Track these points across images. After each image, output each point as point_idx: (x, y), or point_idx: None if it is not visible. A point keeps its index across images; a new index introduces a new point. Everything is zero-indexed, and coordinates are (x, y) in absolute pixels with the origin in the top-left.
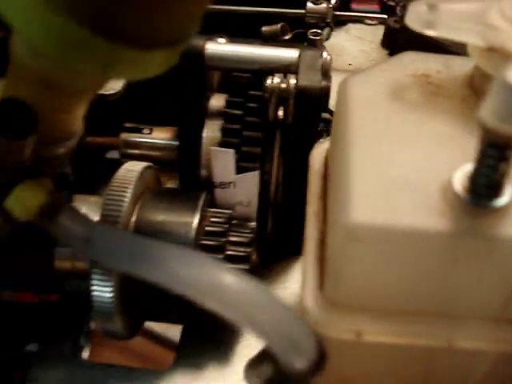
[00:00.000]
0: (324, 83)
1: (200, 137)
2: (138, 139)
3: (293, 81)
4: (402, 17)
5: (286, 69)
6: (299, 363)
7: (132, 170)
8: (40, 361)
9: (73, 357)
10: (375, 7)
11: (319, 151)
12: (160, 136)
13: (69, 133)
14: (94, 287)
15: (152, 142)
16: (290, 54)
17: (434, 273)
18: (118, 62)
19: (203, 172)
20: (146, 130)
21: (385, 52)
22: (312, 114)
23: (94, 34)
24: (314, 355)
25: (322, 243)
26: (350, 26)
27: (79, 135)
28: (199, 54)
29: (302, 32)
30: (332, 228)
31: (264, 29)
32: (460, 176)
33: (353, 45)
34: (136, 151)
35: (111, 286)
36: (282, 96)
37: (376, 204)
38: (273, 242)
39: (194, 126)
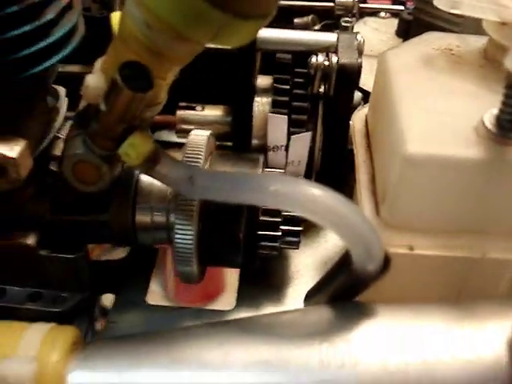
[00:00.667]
0: (360, 60)
1: (251, 111)
2: (193, 116)
3: (335, 59)
4: (415, 9)
5: (326, 49)
6: (371, 266)
7: (201, 134)
8: (116, 307)
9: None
10: (387, 2)
11: (359, 115)
12: (212, 112)
13: (158, 99)
14: (178, 236)
15: (206, 117)
16: (329, 37)
17: (471, 193)
18: (226, 30)
19: (254, 141)
20: (198, 108)
21: (399, 40)
22: (351, 86)
23: (213, 7)
24: (381, 260)
25: (372, 181)
26: (367, 18)
27: (163, 104)
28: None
29: (330, 23)
30: (389, 162)
31: (296, 20)
32: (489, 117)
33: (371, 35)
34: (191, 127)
35: (191, 235)
36: (324, 72)
37: (426, 139)
38: None
39: (246, 102)
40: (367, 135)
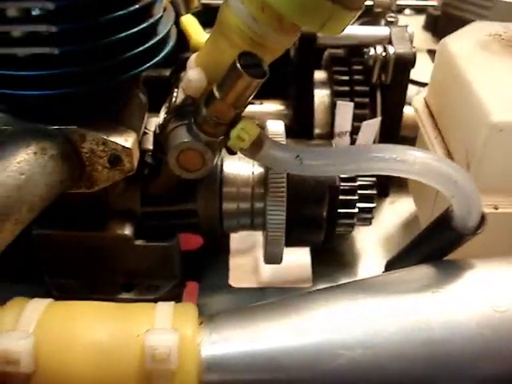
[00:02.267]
0: (414, 49)
1: (313, 103)
2: (253, 110)
3: (391, 49)
4: (443, 4)
5: (380, 42)
6: (471, 222)
7: (277, 123)
8: (204, 291)
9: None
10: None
11: (418, 99)
12: (271, 107)
13: None
14: (270, 220)
15: (266, 111)
16: (382, 30)
17: None
18: (333, 20)
19: (316, 131)
20: (257, 102)
21: (428, 34)
22: (407, 73)
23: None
24: (479, 218)
25: (449, 154)
26: (387, 15)
27: None
28: (313, 33)
29: (368, 20)
30: (471, 134)
31: None
32: None
33: None
34: None
35: (283, 219)
36: (382, 62)
37: (506, 107)
38: None
39: (308, 95)
40: (431, 115)
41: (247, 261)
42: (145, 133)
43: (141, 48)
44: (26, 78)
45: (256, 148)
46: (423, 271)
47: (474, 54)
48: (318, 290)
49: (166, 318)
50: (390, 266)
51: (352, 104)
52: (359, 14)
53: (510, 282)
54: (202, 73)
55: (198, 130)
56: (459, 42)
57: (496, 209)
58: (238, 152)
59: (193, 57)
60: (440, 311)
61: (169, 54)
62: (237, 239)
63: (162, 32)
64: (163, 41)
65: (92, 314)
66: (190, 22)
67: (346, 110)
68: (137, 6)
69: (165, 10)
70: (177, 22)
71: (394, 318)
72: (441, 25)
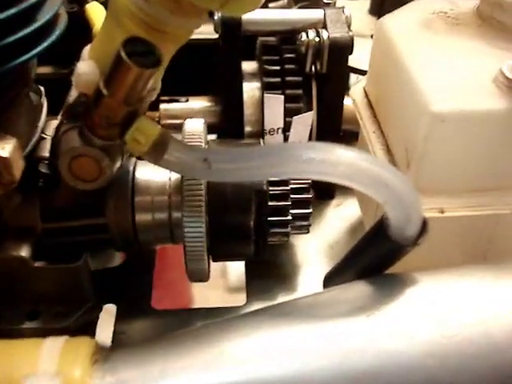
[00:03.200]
0: (351, 33)
1: (242, 97)
2: (178, 109)
3: (325, 34)
4: None
5: (314, 26)
6: (410, 231)
7: (197, 122)
8: (122, 316)
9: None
10: None
11: (357, 89)
12: (198, 103)
13: (155, 84)
14: (188, 233)
15: (192, 109)
16: (315, 13)
17: (498, 146)
18: None
19: (247, 128)
20: (182, 99)
21: (373, 18)
22: (344, 60)
23: None
24: (420, 224)
25: (388, 151)
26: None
27: (158, 92)
28: (237, 20)
29: (306, 4)
30: (411, 126)
31: (271, 5)
32: (505, 68)
33: None
34: (177, 121)
35: (202, 231)
36: (315, 49)
37: (448, 95)
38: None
39: (236, 89)
40: (370, 106)
41: (173, 279)
42: (42, 138)
43: (11, 38)
44: None
45: (158, 151)
46: (359, 289)
47: (415, 35)
48: (240, 316)
49: (52, 357)
50: (328, 280)
51: (282, 97)
52: None
53: (460, 300)
54: (94, 65)
55: (90, 133)
56: (398, 22)
57: (442, 212)
58: None
59: (87, 48)
60: (376, 337)
61: (51, 45)
62: (163, 255)
63: (41, 19)
64: (45, 28)
65: None
66: (95, 11)
67: (275, 104)
68: None
69: None
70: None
71: (322, 349)
72: (387, 8)
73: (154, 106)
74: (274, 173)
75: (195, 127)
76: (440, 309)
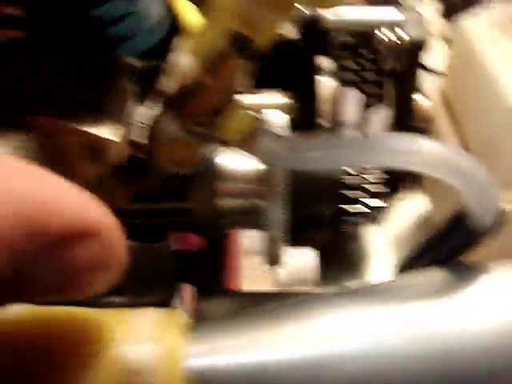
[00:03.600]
0: (427, 35)
1: (317, 92)
2: (253, 100)
3: (402, 34)
4: None
5: (391, 26)
6: (488, 220)
7: (279, 114)
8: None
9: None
10: None
11: (433, 88)
12: (271, 98)
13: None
14: (268, 218)
15: (266, 102)
16: (393, 13)
17: None
18: None
19: (321, 122)
20: (257, 92)
21: (446, 21)
22: (419, 59)
23: None
24: (498, 214)
25: (466, 149)
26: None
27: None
28: (317, 17)
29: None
30: (492, 120)
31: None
32: None
33: None
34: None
35: (281, 217)
36: (392, 48)
37: None
38: None
39: (312, 83)
40: (447, 105)
41: (248, 262)
42: (132, 124)
43: (116, 29)
44: None
45: (250, 140)
46: (437, 275)
47: (492, 37)
48: (320, 295)
49: (146, 326)
50: (402, 268)
51: (359, 92)
52: None
53: None
54: (192, 57)
55: (189, 121)
56: (476, 24)
57: None
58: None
59: (181, 40)
60: (455, 320)
61: (160, 40)
62: (237, 239)
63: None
64: (154, 26)
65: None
66: (180, 2)
67: (352, 99)
68: None
69: None
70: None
71: (404, 328)
72: (460, 12)
73: None
74: (359, 161)
75: (277, 119)
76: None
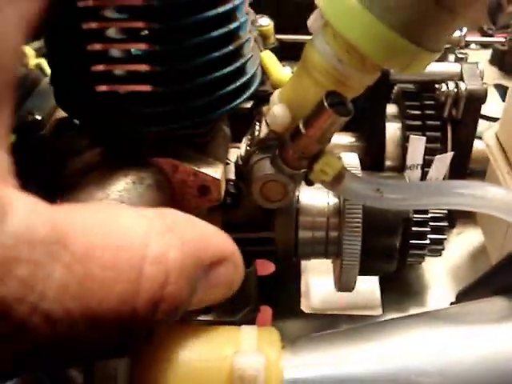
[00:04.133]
0: (485, 86)
1: (384, 135)
2: None
3: (463, 86)
4: (510, 40)
5: (451, 78)
6: None
7: (352, 156)
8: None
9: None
10: (477, 35)
11: (489, 134)
12: (344, 138)
13: None
14: (346, 249)
15: (339, 143)
16: (453, 67)
17: None
18: (415, 61)
19: (388, 163)
20: None
21: (494, 68)
22: (478, 109)
23: (411, 43)
24: None
25: None
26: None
27: None
28: (386, 70)
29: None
30: None
31: None
32: None
33: None
34: None
35: (358, 248)
36: (453, 98)
37: None
38: None
39: (380, 128)
40: (503, 150)
41: (318, 287)
42: (227, 163)
43: (233, 86)
44: (129, 115)
45: (337, 181)
46: (500, 303)
47: None
48: (393, 319)
49: (252, 340)
50: (462, 296)
51: (424, 138)
52: (439, 55)
53: None
54: (287, 109)
55: (281, 163)
56: None
57: None
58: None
59: (276, 93)
60: None
61: (256, 90)
62: (309, 266)
63: (250, 71)
64: (251, 79)
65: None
66: (269, 58)
67: (418, 144)
68: (230, 48)
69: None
70: None
71: (473, 348)
72: (508, 60)
73: None
74: (438, 204)
75: (353, 161)
76: None
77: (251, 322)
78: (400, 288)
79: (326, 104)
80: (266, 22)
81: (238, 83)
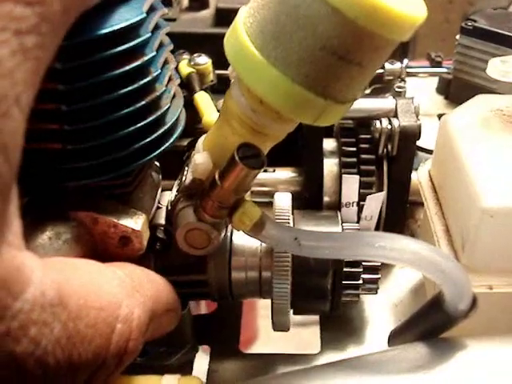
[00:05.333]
0: (419, 122)
1: (322, 170)
2: (265, 177)
3: (396, 122)
4: (454, 70)
5: (387, 115)
6: (462, 305)
7: (285, 197)
8: (214, 357)
9: (238, 351)
10: (425, 63)
11: (423, 171)
12: (284, 174)
13: None
14: (276, 290)
15: (279, 178)
16: (388, 103)
17: None
18: (325, 114)
19: (326, 199)
20: (270, 169)
21: (440, 97)
22: (412, 145)
23: (318, 96)
24: (471, 300)
25: (447, 231)
26: (407, 79)
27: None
28: None
29: (380, 87)
30: (465, 215)
31: None
32: None
33: (414, 93)
34: (265, 188)
35: (287, 289)
36: (387, 135)
37: (500, 192)
38: None
39: (318, 164)
40: (434, 188)
41: (257, 326)
42: (158, 207)
43: (148, 139)
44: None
45: (257, 229)
46: (417, 350)
47: (473, 133)
48: (315, 366)
49: None
50: (392, 338)
51: (357, 177)
52: (352, 104)
53: (507, 364)
54: (208, 157)
55: (203, 212)
56: (459, 120)
57: (490, 289)
58: None
59: (201, 139)
60: None
61: (176, 140)
62: (248, 305)
63: (169, 121)
64: (171, 129)
65: None
66: (202, 100)
67: (351, 183)
68: (143, 103)
69: (175, 95)
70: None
71: None
72: (453, 89)
73: None
74: (351, 255)
75: (284, 203)
76: (488, 372)
77: (188, 363)
78: (340, 324)
79: (237, 158)
80: (203, 61)
81: (154, 136)
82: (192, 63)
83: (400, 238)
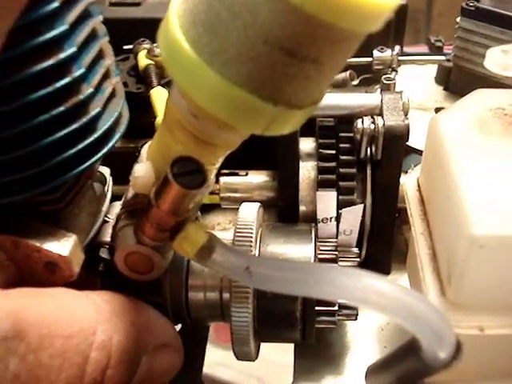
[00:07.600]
0: (407, 122)
1: (297, 176)
2: (237, 182)
3: (380, 122)
4: (454, 56)
5: (371, 112)
6: (442, 353)
7: (251, 209)
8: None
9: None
10: (424, 48)
11: (411, 179)
12: (256, 178)
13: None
14: (234, 316)
15: (250, 183)
16: (373, 98)
17: None
18: (277, 121)
19: (302, 208)
20: (242, 173)
21: (439, 88)
22: (399, 148)
23: (265, 101)
24: (453, 347)
25: (433, 257)
26: (403, 67)
27: (212, 187)
28: None
29: (369, 77)
30: (452, 242)
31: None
32: None
33: (409, 83)
34: (236, 194)
35: (247, 315)
36: (371, 136)
37: (494, 219)
38: (367, 265)
39: (292, 168)
40: (422, 201)
41: (224, 355)
42: (105, 221)
43: (75, 149)
44: None
45: (204, 255)
46: None
47: (467, 139)
48: None
49: None
50: (370, 375)
51: (334, 193)
52: (316, 107)
53: None
54: (151, 167)
55: (142, 235)
56: (452, 121)
57: (481, 330)
58: None
59: (146, 146)
60: None
61: (113, 146)
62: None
63: (102, 127)
64: (106, 135)
65: None
66: (158, 97)
67: (327, 199)
68: (62, 109)
69: (113, 96)
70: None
71: None
72: (453, 79)
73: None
74: (307, 293)
75: (248, 216)
76: None
77: None
78: (318, 350)
79: (170, 175)
80: None
81: (82, 145)
82: (151, 54)
83: (367, 276)
